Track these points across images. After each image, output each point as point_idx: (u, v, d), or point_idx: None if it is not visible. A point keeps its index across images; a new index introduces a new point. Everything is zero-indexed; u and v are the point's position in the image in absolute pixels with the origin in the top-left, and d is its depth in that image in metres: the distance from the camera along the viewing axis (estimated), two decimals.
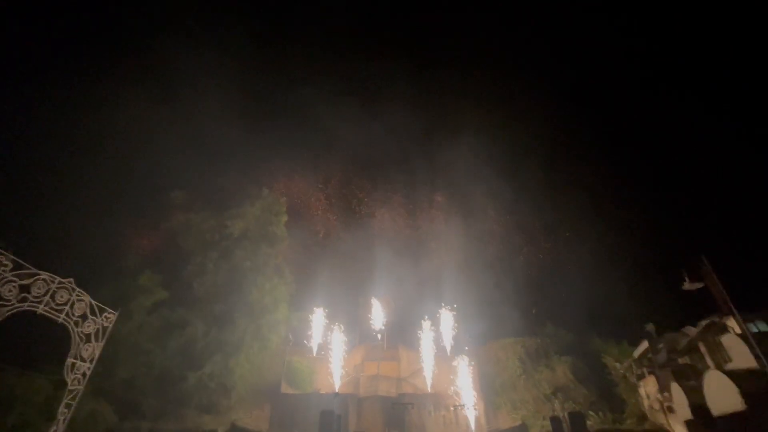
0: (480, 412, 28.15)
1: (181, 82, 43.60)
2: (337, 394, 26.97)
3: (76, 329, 12.74)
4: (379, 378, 30.43)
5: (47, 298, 11.89)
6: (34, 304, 11.52)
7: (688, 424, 19.07)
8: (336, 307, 34.12)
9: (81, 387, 12.79)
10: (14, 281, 11.02)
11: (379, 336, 34.19)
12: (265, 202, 31.85)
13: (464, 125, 49.63)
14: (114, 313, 14.13)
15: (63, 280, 12.38)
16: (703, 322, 21.51)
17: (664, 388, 21.83)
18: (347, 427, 26.52)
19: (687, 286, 17.86)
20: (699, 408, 18.09)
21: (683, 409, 19.42)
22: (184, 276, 27.59)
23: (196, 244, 28.79)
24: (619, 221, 40.78)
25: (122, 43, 44.35)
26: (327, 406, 22.58)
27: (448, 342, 32.55)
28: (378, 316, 35.04)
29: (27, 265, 11.40)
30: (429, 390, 29.71)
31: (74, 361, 12.68)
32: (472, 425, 26.83)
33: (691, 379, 20.45)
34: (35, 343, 19.30)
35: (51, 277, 12.02)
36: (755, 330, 19.25)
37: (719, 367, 19.26)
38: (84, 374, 12.94)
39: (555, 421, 20.51)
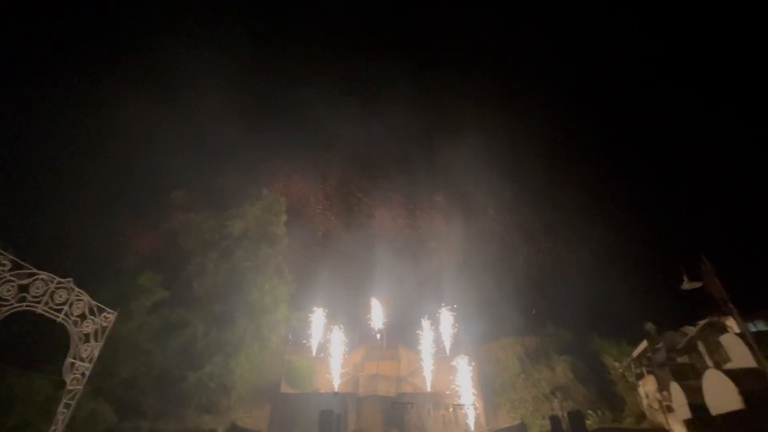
0: (479, 411, 28.16)
1: (181, 82, 43.69)
2: (336, 394, 26.99)
3: (75, 329, 12.74)
4: (378, 377, 30.46)
5: (46, 297, 11.88)
6: (32, 303, 11.53)
7: (687, 423, 19.08)
8: (336, 307, 34.15)
9: (80, 387, 12.80)
10: (13, 281, 11.03)
11: (378, 336, 34.22)
12: (265, 202, 31.88)
13: (464, 125, 49.72)
14: (113, 313, 14.14)
15: (62, 280, 12.38)
16: (702, 322, 21.55)
17: (663, 387, 21.84)
18: (347, 426, 26.55)
19: (686, 285, 17.81)
20: (698, 407, 18.10)
21: (682, 409, 19.43)
22: (184, 276, 27.62)
23: (196, 244, 28.83)
24: (619, 221, 40.82)
25: (122, 43, 44.45)
26: (326, 405, 22.62)
27: (447, 341, 32.58)
28: (378, 315, 35.06)
29: (26, 264, 11.41)
30: (428, 389, 29.74)
31: (73, 360, 12.68)
32: (472, 425, 26.84)
33: (690, 378, 20.46)
34: (35, 343, 19.30)
35: (50, 276, 12.03)
36: (754, 329, 19.33)
37: (718, 366, 19.28)
38: (83, 374, 12.95)
39: (554, 420, 20.53)
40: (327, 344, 31.13)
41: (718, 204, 38.60)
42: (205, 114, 43.04)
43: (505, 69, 53.46)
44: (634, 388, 25.59)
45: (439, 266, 41.11)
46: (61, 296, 12.32)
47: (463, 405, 27.11)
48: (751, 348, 16.98)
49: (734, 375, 16.64)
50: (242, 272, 28.07)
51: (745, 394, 15.65)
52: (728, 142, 39.65)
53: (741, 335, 17.86)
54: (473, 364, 29.96)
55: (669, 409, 21.25)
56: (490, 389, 29.97)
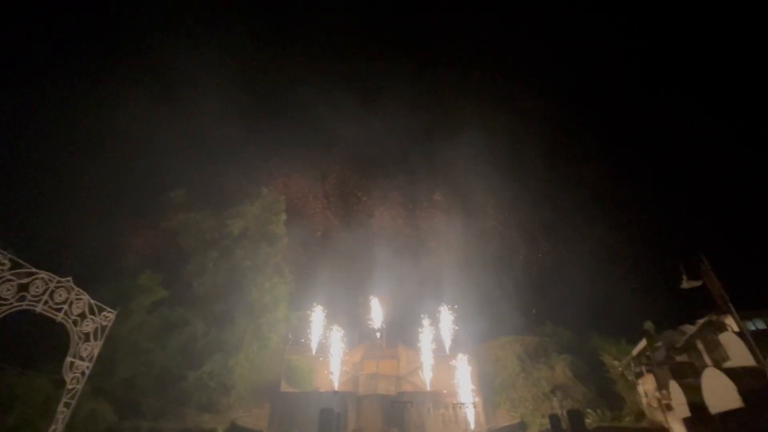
0: (479, 410, 28.20)
1: (181, 81, 43.75)
2: (336, 393, 27.03)
3: (74, 328, 12.76)
4: (378, 376, 30.49)
5: (46, 297, 11.89)
6: (32, 303, 11.54)
7: (686, 421, 19.09)
8: (335, 306, 34.21)
9: (80, 386, 12.81)
10: (13, 280, 11.03)
11: (378, 334, 34.27)
12: (265, 201, 31.91)
13: (464, 125, 49.76)
14: (113, 312, 14.16)
15: (61, 279, 12.40)
16: (701, 321, 21.54)
17: (662, 385, 21.84)
18: (346, 425, 26.60)
19: (685, 284, 17.84)
20: (697, 406, 18.10)
21: (681, 407, 19.44)
22: (183, 275, 27.66)
23: (195, 244, 28.87)
24: (619, 221, 40.90)
25: (122, 43, 44.53)
26: (326, 404, 22.67)
27: (447, 340, 32.62)
28: (377, 314, 35.10)
29: (25, 264, 11.42)
30: (428, 388, 29.77)
31: (73, 360, 12.70)
32: (471, 423, 26.88)
33: (689, 376, 20.46)
34: (35, 342, 19.36)
35: (49, 276, 12.04)
36: (753, 328, 19.30)
37: (717, 364, 19.29)
38: (83, 373, 12.97)
39: (554, 419, 20.57)
40: (327, 343, 31.17)
41: (717, 204, 38.69)
42: (205, 114, 43.16)
43: (505, 69, 53.67)
44: (633, 387, 25.61)
45: (438, 265, 41.23)
46: (60, 295, 12.33)
47: (463, 404, 27.15)
48: (750, 346, 17.01)
49: (733, 373, 16.63)
50: (242, 271, 28.10)
51: (744, 392, 15.65)
52: (727, 142, 39.74)
53: (740, 334, 17.87)
54: (473, 362, 30.03)
55: (668, 408, 21.26)
56: (489, 388, 30.00)
